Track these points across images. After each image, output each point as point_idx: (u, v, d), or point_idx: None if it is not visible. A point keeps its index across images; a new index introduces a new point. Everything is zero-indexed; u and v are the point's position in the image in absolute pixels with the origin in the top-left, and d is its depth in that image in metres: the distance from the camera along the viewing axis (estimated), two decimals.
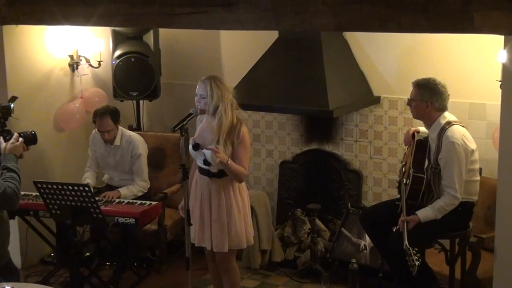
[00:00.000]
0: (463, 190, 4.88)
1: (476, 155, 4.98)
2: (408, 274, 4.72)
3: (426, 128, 5.11)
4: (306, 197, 6.52)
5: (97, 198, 5.67)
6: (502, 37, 3.64)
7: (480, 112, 5.71)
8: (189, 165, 5.01)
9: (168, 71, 7.09)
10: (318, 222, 6.28)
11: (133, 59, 6.71)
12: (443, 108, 4.99)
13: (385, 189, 6.28)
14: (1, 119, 4.42)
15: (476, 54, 5.65)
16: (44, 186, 5.20)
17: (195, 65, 7.12)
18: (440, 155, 4.90)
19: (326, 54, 5.91)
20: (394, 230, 4.98)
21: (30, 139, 4.38)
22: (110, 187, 6.22)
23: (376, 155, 6.29)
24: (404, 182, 5.07)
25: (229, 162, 4.87)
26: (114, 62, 6.73)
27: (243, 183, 5.17)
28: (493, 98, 5.20)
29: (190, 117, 4.92)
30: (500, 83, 4.69)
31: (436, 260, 5.18)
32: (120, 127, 6.20)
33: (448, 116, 4.99)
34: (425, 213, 4.89)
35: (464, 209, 4.98)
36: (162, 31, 6.83)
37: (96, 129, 6.22)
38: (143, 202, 5.74)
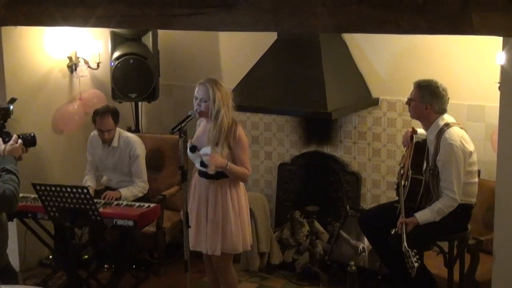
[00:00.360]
0: (462, 192, 4.89)
1: (475, 157, 4.98)
2: (407, 277, 4.73)
3: (424, 130, 5.11)
4: (305, 199, 6.52)
5: (97, 200, 5.69)
6: (501, 38, 3.65)
7: (478, 114, 5.72)
8: (187, 167, 5.01)
9: (166, 73, 7.09)
10: (316, 224, 6.28)
11: (131, 61, 6.71)
12: (443, 111, 4.99)
13: (384, 191, 6.29)
14: (0, 121, 4.42)
15: (475, 56, 5.66)
16: (43, 188, 5.20)
17: (194, 66, 7.12)
18: (438, 156, 4.90)
19: (325, 56, 5.92)
20: (392, 232, 4.99)
21: (29, 141, 4.38)
22: (109, 189, 6.21)
23: (375, 157, 6.30)
24: (403, 184, 5.07)
25: (228, 166, 4.88)
26: (112, 64, 6.74)
27: (243, 187, 5.17)
28: (492, 100, 5.21)
29: (189, 119, 4.92)
30: (498, 84, 4.70)
31: (434, 262, 5.18)
32: (117, 128, 6.20)
33: (446, 118, 5.00)
34: (423, 215, 4.90)
35: (463, 211, 4.98)
36: (160, 32, 6.83)
37: (94, 132, 6.22)
38: (142, 204, 5.74)
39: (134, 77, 6.74)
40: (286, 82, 6.08)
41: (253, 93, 6.12)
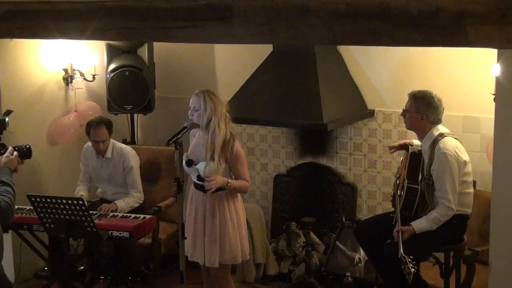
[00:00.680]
0: (457, 202, 4.89)
1: (469, 168, 4.99)
2: (403, 286, 4.72)
3: (419, 140, 5.13)
4: (301, 211, 6.51)
5: (93, 212, 5.69)
6: (495, 50, 3.66)
7: (474, 125, 5.73)
8: (183, 179, 5.00)
9: (162, 85, 7.09)
10: (312, 235, 6.28)
11: (127, 73, 6.71)
12: (438, 121, 5.01)
13: (380, 202, 6.28)
14: None
15: (470, 68, 5.67)
16: (38, 199, 5.20)
17: (189, 78, 7.12)
18: (432, 166, 4.91)
19: (320, 68, 5.93)
20: (388, 241, 4.98)
21: (24, 153, 4.37)
22: (104, 201, 6.20)
23: (371, 168, 6.30)
24: (399, 193, 5.07)
25: (229, 183, 4.89)
26: (108, 76, 6.73)
27: (239, 198, 5.17)
28: (487, 111, 5.21)
29: (185, 131, 4.91)
30: (493, 96, 4.71)
31: (430, 273, 5.18)
32: (111, 139, 6.20)
33: (440, 128, 5.01)
34: (420, 224, 4.90)
35: (459, 222, 4.98)
36: (156, 45, 6.83)
37: (88, 143, 6.21)
38: (137, 215, 5.73)
39: (130, 89, 6.74)
40: (281, 94, 6.08)
41: (249, 105, 6.12)
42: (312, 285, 6.01)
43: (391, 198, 5.28)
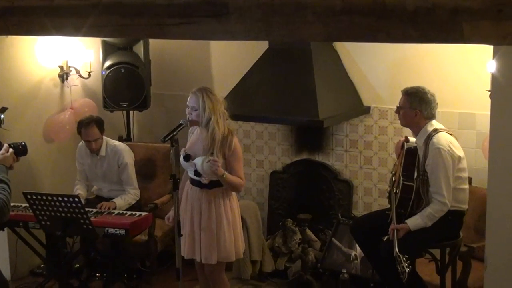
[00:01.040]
0: (452, 198, 4.90)
1: (464, 163, 4.99)
2: (399, 283, 4.73)
3: (414, 136, 5.13)
4: (297, 207, 6.52)
5: (91, 209, 5.69)
6: (491, 47, 3.66)
7: (469, 121, 5.74)
8: (179, 176, 5.00)
9: (158, 82, 7.09)
10: (308, 232, 6.28)
11: (123, 70, 6.71)
12: (432, 117, 5.01)
13: (376, 199, 6.29)
14: None
15: (466, 64, 5.68)
16: (34, 197, 5.19)
17: (185, 75, 7.12)
18: (426, 161, 4.92)
19: (316, 65, 5.93)
20: (384, 239, 4.99)
21: (20, 150, 4.36)
22: (100, 198, 6.21)
23: (367, 165, 6.30)
24: (394, 191, 5.08)
25: (225, 175, 4.88)
26: (104, 73, 6.73)
27: (235, 196, 5.17)
28: (483, 108, 5.22)
29: (180, 128, 4.91)
30: (489, 93, 4.71)
31: (426, 269, 5.19)
32: (104, 137, 6.20)
33: (435, 124, 5.02)
34: (414, 221, 4.90)
35: (454, 218, 4.99)
36: (152, 41, 6.83)
37: (82, 142, 6.21)
38: (133, 212, 5.74)
39: (126, 86, 6.73)
40: (277, 90, 6.08)
41: (245, 102, 6.12)
42: (308, 281, 6.01)
43: (387, 195, 5.28)
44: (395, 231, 4.85)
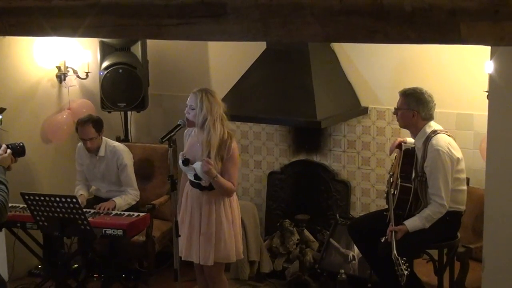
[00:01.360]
0: (451, 200, 4.90)
1: (463, 164, 5.00)
2: (397, 284, 4.73)
3: (412, 137, 5.14)
4: (295, 208, 6.53)
5: (89, 210, 5.69)
6: (489, 47, 3.66)
7: (467, 122, 5.74)
8: (177, 176, 5.00)
9: (156, 82, 7.09)
10: (306, 233, 6.29)
11: (121, 70, 6.70)
12: (429, 117, 5.02)
13: (373, 199, 6.29)
14: None
15: (463, 65, 5.69)
16: (32, 197, 5.19)
17: (183, 76, 7.12)
18: (425, 163, 4.92)
19: (314, 65, 5.93)
20: (382, 240, 4.99)
21: (18, 151, 4.36)
22: (98, 198, 6.21)
23: (364, 166, 6.31)
24: (392, 192, 5.08)
25: (217, 177, 4.87)
26: (101, 73, 6.72)
27: (235, 196, 5.16)
28: (480, 109, 5.23)
29: (178, 128, 4.91)
30: (487, 93, 4.72)
31: (424, 270, 5.19)
32: (104, 138, 6.19)
33: (434, 125, 5.02)
34: (413, 223, 4.91)
35: (452, 219, 4.99)
36: (150, 42, 6.83)
37: (81, 142, 6.21)
38: (131, 213, 5.73)
39: (123, 87, 6.73)
40: (275, 91, 6.08)
41: (243, 102, 6.12)
42: (306, 282, 6.02)
43: (385, 195, 5.29)
44: (393, 232, 4.85)
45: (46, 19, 3.79)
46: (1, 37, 5.99)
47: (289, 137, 6.67)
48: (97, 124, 6.05)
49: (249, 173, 6.92)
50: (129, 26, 3.60)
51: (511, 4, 2.62)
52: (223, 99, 5.08)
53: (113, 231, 5.41)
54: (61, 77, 6.80)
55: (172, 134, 4.82)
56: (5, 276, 5.94)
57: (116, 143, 6.31)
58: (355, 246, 5.79)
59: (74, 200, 5.13)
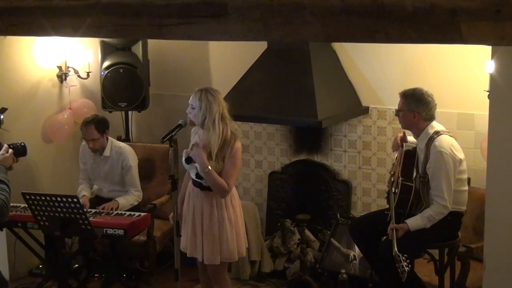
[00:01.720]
0: (452, 200, 4.90)
1: (464, 165, 5.00)
2: (397, 284, 4.73)
3: (415, 138, 5.13)
4: (296, 208, 6.53)
5: (90, 209, 5.70)
6: (490, 47, 3.66)
7: (468, 122, 5.74)
8: (178, 176, 5.00)
9: (157, 82, 7.09)
10: (307, 232, 6.29)
11: (121, 70, 6.70)
12: (431, 118, 5.01)
13: (374, 199, 6.29)
14: None
15: (464, 65, 5.68)
16: (33, 197, 5.19)
17: (184, 76, 7.12)
18: (428, 164, 4.92)
19: (315, 65, 5.93)
20: (383, 239, 4.99)
21: (19, 150, 4.37)
22: (100, 198, 6.21)
23: (365, 166, 6.31)
24: (393, 191, 5.08)
25: (208, 169, 4.84)
26: (102, 73, 6.72)
27: (237, 196, 5.15)
28: (481, 108, 5.23)
29: (179, 128, 4.92)
30: (488, 93, 4.72)
31: (425, 270, 5.19)
32: (110, 138, 6.20)
33: (436, 125, 5.02)
34: (414, 222, 4.91)
35: (453, 219, 5.00)
36: (150, 42, 6.83)
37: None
38: (132, 213, 5.73)
39: (124, 87, 6.73)
40: (276, 91, 6.08)
41: (244, 102, 6.12)
42: (307, 282, 6.01)
43: (386, 195, 5.29)
44: (394, 230, 4.85)
45: (46, 18, 3.80)
46: (2, 37, 6.00)
47: (290, 136, 6.67)
48: (100, 125, 6.05)
49: (250, 173, 6.92)
50: (130, 26, 3.61)
51: None
52: (224, 99, 5.07)
53: (114, 231, 5.41)
54: (62, 77, 6.81)
55: (173, 134, 4.82)
56: (6, 276, 5.94)
57: (122, 144, 6.30)
58: (356, 246, 5.79)
59: (75, 199, 5.13)
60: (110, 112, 6.86)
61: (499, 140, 3.80)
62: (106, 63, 6.72)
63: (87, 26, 3.67)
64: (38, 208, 5.21)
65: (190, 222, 5.05)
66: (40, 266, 6.58)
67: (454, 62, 5.73)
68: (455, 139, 5.03)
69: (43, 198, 5.16)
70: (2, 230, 5.78)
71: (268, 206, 6.79)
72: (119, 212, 5.81)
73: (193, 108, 4.93)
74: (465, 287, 4.98)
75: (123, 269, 6.24)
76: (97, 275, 6.40)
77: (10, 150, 4.26)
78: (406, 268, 4.60)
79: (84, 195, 6.08)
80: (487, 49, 3.66)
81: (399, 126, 5.37)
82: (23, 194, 5.20)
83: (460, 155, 4.96)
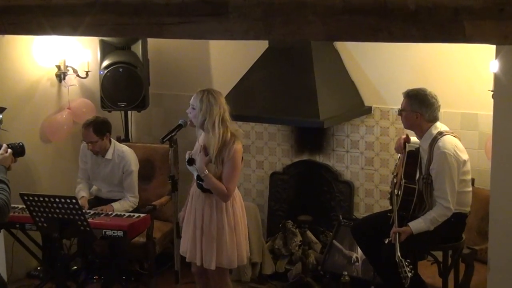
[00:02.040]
0: (456, 201, 4.91)
1: (468, 166, 5.01)
2: (400, 286, 4.73)
3: (418, 139, 5.14)
4: (297, 209, 6.53)
5: (88, 210, 5.70)
6: (494, 46, 3.67)
7: (472, 122, 5.74)
8: (178, 177, 5.01)
9: (156, 82, 7.09)
10: (309, 234, 6.29)
11: (121, 69, 6.70)
12: (434, 119, 5.02)
13: (377, 200, 6.30)
14: None
15: (468, 64, 5.69)
16: (31, 198, 5.19)
17: (184, 75, 7.13)
18: (431, 165, 4.92)
19: (317, 64, 5.94)
20: (386, 242, 5.00)
21: (18, 150, 4.37)
22: (98, 199, 6.22)
23: (368, 166, 6.31)
24: (396, 193, 5.08)
25: (206, 174, 4.85)
26: (102, 73, 6.73)
27: (239, 201, 5.14)
28: (485, 108, 5.23)
29: (179, 128, 4.93)
30: (492, 93, 4.72)
31: (429, 272, 5.19)
32: (113, 141, 6.21)
33: (440, 126, 5.02)
34: (417, 225, 4.91)
35: (457, 221, 5.00)
36: (150, 41, 6.84)
37: None
38: (131, 214, 5.74)
39: (124, 86, 6.73)
40: (277, 90, 6.09)
41: (244, 102, 6.12)
42: (309, 284, 6.03)
43: (389, 196, 5.29)
44: (397, 234, 4.86)
45: (45, 17, 3.80)
46: (0, 36, 6.00)
47: (292, 137, 6.68)
48: (98, 128, 6.03)
49: (251, 173, 6.92)
50: (129, 25, 3.61)
51: None
52: (225, 99, 5.08)
53: (113, 232, 5.41)
54: (60, 76, 6.81)
55: (173, 134, 4.83)
56: (4, 278, 5.95)
57: (125, 148, 6.30)
58: (358, 248, 5.79)
59: (74, 200, 5.14)
60: (110, 112, 6.87)
61: (504, 140, 3.81)
62: (105, 63, 6.72)
63: (86, 25, 3.68)
64: (36, 209, 5.22)
65: (192, 225, 5.06)
66: (38, 268, 6.58)
67: (458, 62, 5.74)
68: (459, 140, 5.03)
69: (41, 199, 5.17)
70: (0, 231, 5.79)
71: (269, 207, 6.79)
72: (119, 213, 5.81)
73: (193, 109, 4.94)
74: None
75: (122, 271, 6.23)
76: (96, 277, 6.40)
77: (9, 150, 4.27)
78: (409, 274, 4.60)
79: (82, 196, 6.08)
80: (491, 48, 3.67)
81: (402, 126, 5.37)
82: (21, 195, 5.20)
83: (464, 156, 4.97)
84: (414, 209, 5.00)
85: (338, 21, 3.02)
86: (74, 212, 5.14)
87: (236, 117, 5.22)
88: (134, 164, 6.22)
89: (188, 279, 5.82)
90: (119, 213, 5.80)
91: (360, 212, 6.36)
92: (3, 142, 4.40)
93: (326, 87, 5.94)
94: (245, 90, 6.20)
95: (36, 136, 6.66)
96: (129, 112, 7.09)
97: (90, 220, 5.36)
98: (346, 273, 5.84)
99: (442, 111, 5.13)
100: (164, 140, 4.82)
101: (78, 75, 6.90)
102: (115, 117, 7.01)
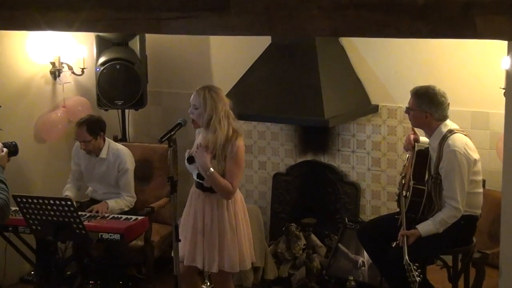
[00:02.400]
0: (466, 203, 4.90)
1: (479, 166, 5.00)
2: None
3: (427, 137, 5.13)
4: (301, 211, 6.53)
5: (83, 212, 5.70)
6: (506, 42, 3.67)
7: (483, 121, 5.74)
8: (177, 178, 5.01)
9: (155, 79, 7.10)
10: (313, 237, 6.29)
11: (118, 66, 6.71)
12: (443, 118, 5.01)
13: (384, 202, 6.30)
14: None
15: (479, 61, 5.69)
16: (24, 200, 5.19)
17: (183, 72, 7.13)
18: (441, 164, 4.92)
19: (322, 61, 5.94)
20: (393, 245, 4.99)
21: (11, 150, 4.38)
22: (94, 201, 6.22)
23: (375, 167, 6.31)
24: (404, 194, 5.08)
25: (210, 172, 4.85)
26: (98, 69, 6.73)
27: (241, 203, 5.15)
28: (497, 107, 5.23)
29: (178, 127, 4.92)
30: (503, 90, 4.72)
31: (438, 277, 5.20)
32: (107, 139, 6.21)
33: (450, 124, 5.01)
34: (426, 227, 4.91)
35: (467, 223, 4.99)
36: (148, 37, 6.84)
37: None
38: (129, 217, 5.74)
39: (121, 84, 6.74)
40: (280, 88, 6.09)
41: (246, 100, 6.13)
42: None
43: (397, 198, 5.29)
44: (405, 237, 4.85)
45: (40, 12, 3.81)
46: None
47: (295, 136, 6.68)
48: (92, 127, 6.02)
49: (253, 174, 6.93)
50: (127, 20, 3.61)
51: None
52: (226, 97, 5.08)
53: (110, 236, 5.42)
54: (55, 73, 6.82)
55: (172, 133, 4.82)
56: None
57: (120, 146, 6.30)
58: (364, 252, 5.80)
59: (69, 202, 5.14)
60: (106, 110, 6.88)
61: None
62: (101, 59, 6.73)
63: (81, 20, 3.68)
64: (30, 211, 5.22)
65: (191, 227, 5.06)
66: (32, 272, 6.58)
67: (468, 58, 5.74)
68: (470, 139, 5.03)
69: (35, 201, 5.17)
70: None
71: (272, 209, 6.80)
72: (115, 215, 5.81)
73: (196, 109, 4.93)
74: None
75: (119, 275, 6.24)
76: (92, 282, 6.40)
77: (5, 149, 4.28)
78: (417, 278, 4.60)
79: (67, 195, 6.05)
80: (503, 44, 3.67)
81: (410, 125, 5.37)
82: (14, 197, 5.20)
83: (475, 155, 4.96)
84: (423, 211, 5.00)
85: (344, 16, 3.02)
86: (69, 214, 5.14)
87: (237, 116, 5.22)
88: (129, 163, 6.22)
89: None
90: (116, 216, 5.80)
91: (367, 215, 6.37)
92: None
93: (331, 84, 5.94)
94: (247, 88, 6.20)
95: (30, 135, 6.67)
96: (126, 111, 7.10)
97: (85, 222, 5.36)
98: (352, 278, 5.84)
99: (452, 109, 5.13)
100: (163, 140, 4.81)
101: (73, 72, 6.91)
102: (111, 116, 7.03)
